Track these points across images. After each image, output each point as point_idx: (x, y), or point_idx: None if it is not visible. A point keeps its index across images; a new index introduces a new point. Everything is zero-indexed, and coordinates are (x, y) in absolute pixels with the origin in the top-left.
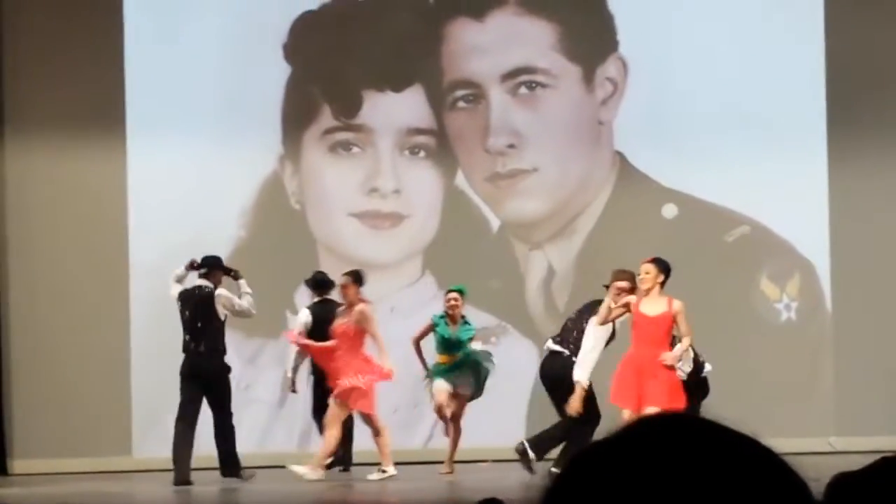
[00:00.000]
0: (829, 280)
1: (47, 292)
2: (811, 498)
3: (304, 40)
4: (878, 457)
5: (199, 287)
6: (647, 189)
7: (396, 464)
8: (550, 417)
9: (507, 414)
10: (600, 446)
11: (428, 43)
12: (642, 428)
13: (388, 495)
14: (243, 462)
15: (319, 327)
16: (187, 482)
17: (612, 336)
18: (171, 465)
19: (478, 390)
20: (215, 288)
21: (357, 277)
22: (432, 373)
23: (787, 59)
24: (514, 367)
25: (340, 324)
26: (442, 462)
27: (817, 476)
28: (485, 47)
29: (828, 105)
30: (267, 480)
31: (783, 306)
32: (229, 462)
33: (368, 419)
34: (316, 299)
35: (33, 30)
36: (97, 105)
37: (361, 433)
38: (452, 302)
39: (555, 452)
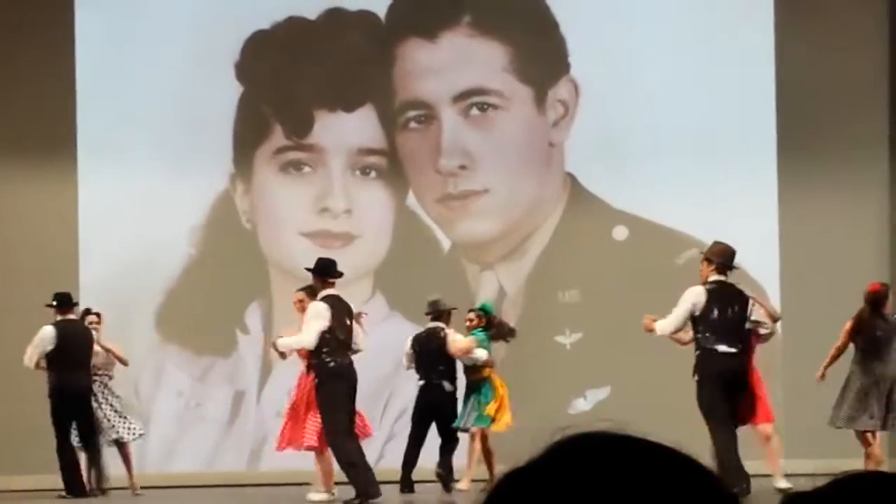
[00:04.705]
0: (779, 303)
1: None
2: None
3: (256, 60)
4: (827, 479)
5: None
6: (598, 211)
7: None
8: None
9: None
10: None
11: (380, 63)
12: (566, 445)
13: None
14: (188, 482)
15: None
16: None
17: None
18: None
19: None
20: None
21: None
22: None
23: (737, 83)
24: None
25: None
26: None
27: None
28: (437, 68)
29: (778, 129)
30: (215, 501)
31: None
32: None
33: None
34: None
35: None
36: (48, 125)
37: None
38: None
39: None
